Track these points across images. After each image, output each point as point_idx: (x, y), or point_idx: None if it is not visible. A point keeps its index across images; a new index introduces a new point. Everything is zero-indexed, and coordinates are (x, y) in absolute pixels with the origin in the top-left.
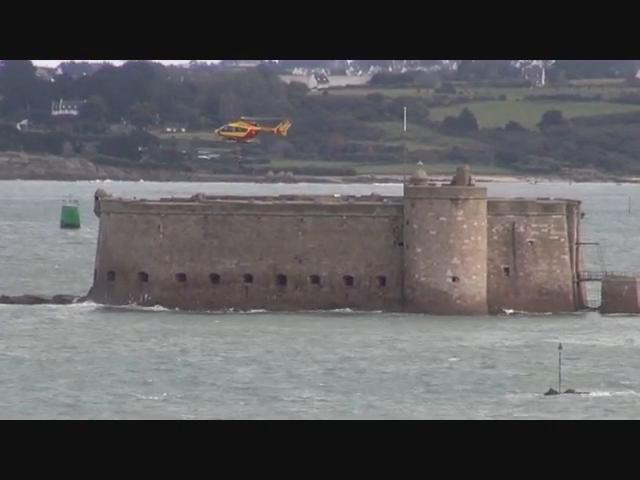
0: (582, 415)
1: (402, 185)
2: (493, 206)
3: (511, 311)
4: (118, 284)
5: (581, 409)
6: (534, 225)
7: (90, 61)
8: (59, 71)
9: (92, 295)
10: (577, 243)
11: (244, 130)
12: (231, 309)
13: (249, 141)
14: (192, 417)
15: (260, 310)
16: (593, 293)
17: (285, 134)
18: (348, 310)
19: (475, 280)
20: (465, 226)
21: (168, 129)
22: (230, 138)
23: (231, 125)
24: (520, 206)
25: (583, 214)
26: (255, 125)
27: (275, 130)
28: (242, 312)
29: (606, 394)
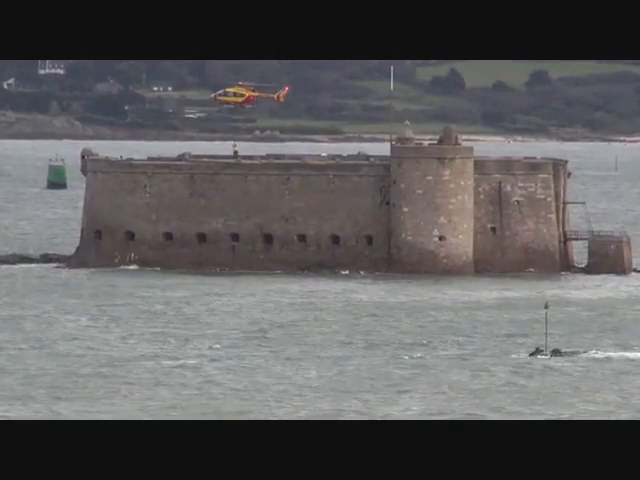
0: (567, 373)
1: (389, 144)
2: (480, 165)
3: (497, 272)
4: (105, 243)
5: (567, 368)
6: (521, 184)
7: None
8: None
9: (78, 254)
10: (564, 202)
11: (242, 95)
12: (217, 268)
13: (247, 107)
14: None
15: (246, 270)
16: (580, 253)
17: (283, 100)
18: (336, 270)
19: (462, 239)
20: (452, 185)
21: (155, 88)
22: (227, 103)
23: (228, 90)
24: (507, 165)
25: (570, 173)
26: (253, 91)
27: (276, 97)
28: (228, 271)
29: (593, 354)
